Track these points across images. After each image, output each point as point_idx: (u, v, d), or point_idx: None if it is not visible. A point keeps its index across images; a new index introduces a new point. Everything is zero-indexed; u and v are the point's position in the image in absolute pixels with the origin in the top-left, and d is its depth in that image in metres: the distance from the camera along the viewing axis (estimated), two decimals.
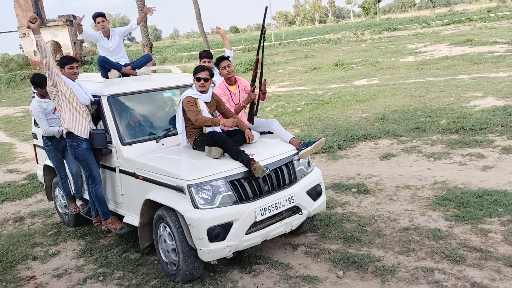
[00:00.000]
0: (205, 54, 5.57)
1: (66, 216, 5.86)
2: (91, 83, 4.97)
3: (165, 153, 4.35)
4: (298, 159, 4.37)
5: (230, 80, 4.85)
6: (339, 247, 4.37)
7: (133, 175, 4.29)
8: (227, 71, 4.78)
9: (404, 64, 18.14)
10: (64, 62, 4.63)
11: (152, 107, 5.09)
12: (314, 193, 4.36)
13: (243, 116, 4.95)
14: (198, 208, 3.68)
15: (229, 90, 4.84)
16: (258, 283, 3.91)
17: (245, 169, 3.88)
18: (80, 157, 4.57)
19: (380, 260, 4.00)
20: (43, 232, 5.71)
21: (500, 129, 7.62)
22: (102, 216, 4.76)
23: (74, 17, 38.70)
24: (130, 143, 4.45)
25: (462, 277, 3.61)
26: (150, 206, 4.15)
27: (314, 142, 4.38)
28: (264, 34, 4.60)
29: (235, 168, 3.89)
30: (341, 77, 17.11)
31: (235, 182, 3.84)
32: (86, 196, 5.22)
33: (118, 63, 5.69)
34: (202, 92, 4.32)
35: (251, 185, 3.91)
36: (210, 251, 3.67)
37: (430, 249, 4.10)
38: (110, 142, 4.50)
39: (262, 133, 4.77)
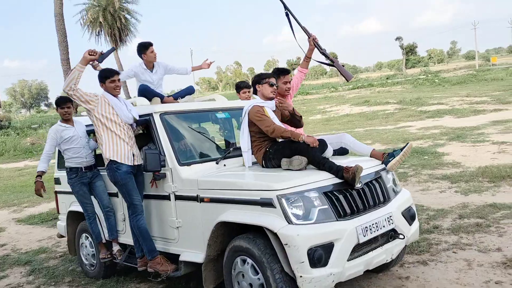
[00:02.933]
0: (245, 85, 5.23)
1: (93, 268, 4.99)
2: (137, 105, 4.48)
3: (233, 171, 3.81)
4: (387, 173, 3.74)
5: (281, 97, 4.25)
6: None
7: (195, 199, 3.64)
8: (287, 87, 4.24)
9: (312, 121, 20.66)
10: (104, 75, 4.08)
11: (207, 127, 4.71)
12: (408, 215, 3.65)
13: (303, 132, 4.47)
14: (292, 224, 3.00)
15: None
16: None
17: (337, 180, 3.27)
18: (119, 182, 3.98)
19: None
20: None
21: None
22: (148, 255, 3.95)
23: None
24: (188, 164, 3.85)
25: None
26: (219, 236, 3.46)
27: (401, 150, 3.69)
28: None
29: (327, 178, 3.26)
30: None
31: (329, 194, 3.19)
32: (123, 239, 4.58)
33: (160, 93, 5.14)
34: (271, 99, 3.90)
35: (346, 199, 3.23)
36: (312, 280, 2.91)
37: None
38: (164, 166, 3.86)
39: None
